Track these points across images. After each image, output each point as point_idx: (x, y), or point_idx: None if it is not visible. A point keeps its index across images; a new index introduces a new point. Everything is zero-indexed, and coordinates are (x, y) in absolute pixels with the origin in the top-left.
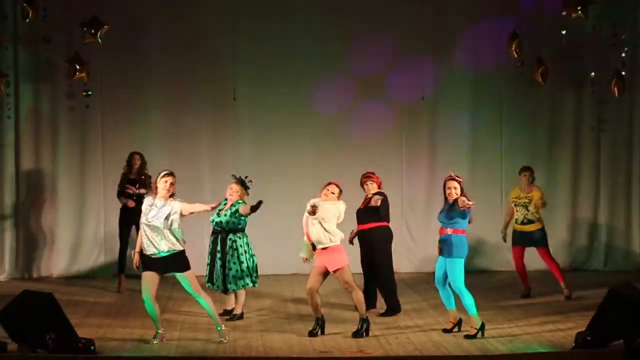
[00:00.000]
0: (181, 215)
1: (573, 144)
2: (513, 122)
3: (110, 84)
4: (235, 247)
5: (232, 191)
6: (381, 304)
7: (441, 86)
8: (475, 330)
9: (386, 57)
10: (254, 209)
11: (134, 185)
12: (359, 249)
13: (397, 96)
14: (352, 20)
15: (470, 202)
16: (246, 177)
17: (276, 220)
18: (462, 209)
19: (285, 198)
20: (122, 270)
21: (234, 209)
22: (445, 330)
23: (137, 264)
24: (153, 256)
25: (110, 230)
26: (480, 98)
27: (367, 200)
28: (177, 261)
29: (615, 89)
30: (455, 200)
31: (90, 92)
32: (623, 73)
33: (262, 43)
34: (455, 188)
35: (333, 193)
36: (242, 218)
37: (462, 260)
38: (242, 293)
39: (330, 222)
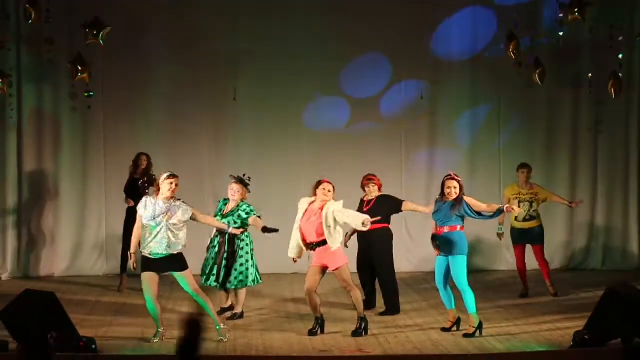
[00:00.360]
0: (192, 219)
1: (570, 145)
2: (511, 122)
3: (112, 84)
4: (242, 246)
5: (234, 191)
6: (380, 304)
7: (440, 86)
8: (474, 329)
9: (386, 56)
10: (265, 230)
11: (137, 183)
12: (357, 249)
13: (396, 95)
14: (352, 20)
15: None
16: (244, 175)
17: (276, 220)
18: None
19: (286, 197)
20: (125, 269)
21: (241, 210)
22: (444, 329)
23: (135, 264)
24: (153, 256)
25: (111, 230)
26: (478, 98)
27: (367, 202)
28: (176, 261)
29: (613, 90)
30: (457, 200)
31: (92, 93)
32: (620, 74)
33: (262, 43)
34: (455, 187)
35: (330, 192)
36: (247, 218)
37: (465, 257)
38: (242, 292)
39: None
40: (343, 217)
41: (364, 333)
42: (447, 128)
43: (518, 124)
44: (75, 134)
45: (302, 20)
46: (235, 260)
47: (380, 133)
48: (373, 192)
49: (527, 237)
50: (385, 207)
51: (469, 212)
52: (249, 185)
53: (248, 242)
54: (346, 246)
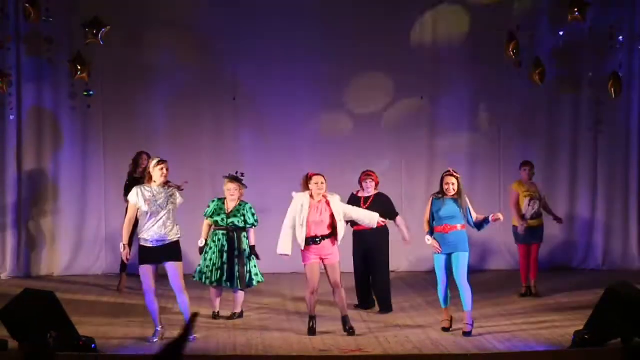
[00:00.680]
0: None
1: (570, 145)
2: (511, 122)
3: (111, 84)
4: (245, 244)
5: (232, 191)
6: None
7: (440, 86)
8: (471, 327)
9: (386, 57)
10: (252, 249)
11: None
12: (353, 247)
13: (396, 95)
14: (353, 18)
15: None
16: (237, 172)
17: (276, 218)
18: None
19: (285, 196)
20: (124, 269)
21: (246, 210)
22: (446, 329)
23: (128, 255)
24: (154, 245)
25: (111, 229)
26: (478, 98)
27: (364, 199)
28: (174, 250)
29: (613, 90)
30: (457, 196)
31: (91, 92)
32: (620, 74)
33: (263, 42)
34: (453, 184)
35: (323, 184)
36: (251, 224)
37: (468, 254)
38: (242, 292)
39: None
40: (353, 213)
41: (352, 330)
42: (446, 128)
43: (518, 124)
44: (74, 133)
45: (302, 19)
46: (244, 259)
47: (380, 133)
48: (370, 189)
49: (533, 235)
50: (382, 208)
51: (470, 220)
52: (242, 180)
53: (246, 241)
54: None
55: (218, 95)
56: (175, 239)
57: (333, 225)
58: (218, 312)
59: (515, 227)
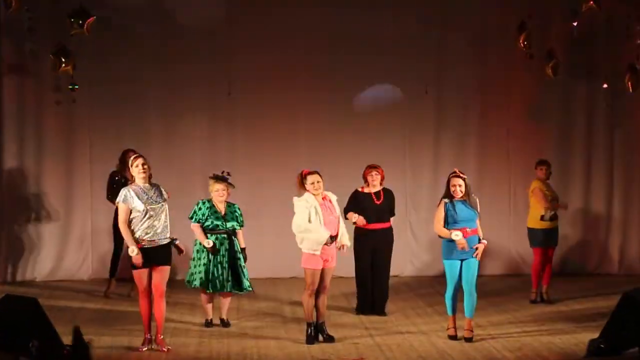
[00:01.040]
0: None
1: (585, 141)
2: (522, 117)
3: (98, 77)
4: (238, 248)
5: (221, 192)
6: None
7: (446, 80)
8: (473, 333)
9: (389, 50)
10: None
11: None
12: (359, 249)
13: (400, 86)
14: (353, 13)
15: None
16: (223, 172)
17: (273, 221)
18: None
19: (283, 197)
20: (113, 274)
21: (237, 212)
22: (453, 337)
23: (141, 259)
24: (150, 246)
25: (98, 232)
26: (487, 92)
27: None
28: (167, 252)
29: (629, 83)
30: (465, 198)
31: (76, 86)
32: (637, 67)
33: (259, 33)
34: (460, 185)
35: (319, 182)
36: (240, 225)
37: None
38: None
39: None
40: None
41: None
42: (452, 124)
43: (529, 119)
44: (59, 129)
45: (301, 8)
46: (240, 262)
47: (381, 128)
48: (376, 183)
49: (551, 238)
50: (391, 205)
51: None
52: (229, 180)
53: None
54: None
55: (212, 90)
56: (168, 240)
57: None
58: (212, 320)
59: (531, 230)
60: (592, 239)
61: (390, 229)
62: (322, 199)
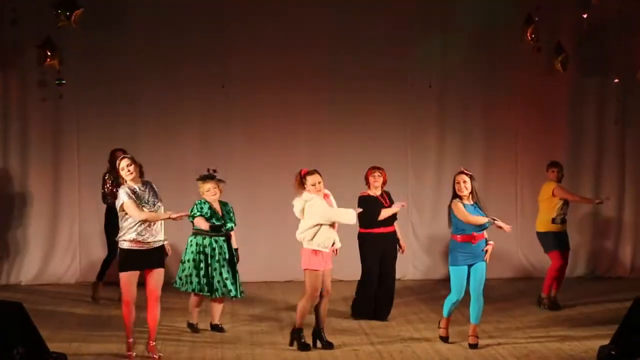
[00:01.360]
0: None
1: (595, 139)
2: (529, 114)
3: (86, 72)
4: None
5: (212, 190)
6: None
7: (449, 77)
8: (479, 339)
9: (389, 41)
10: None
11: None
12: (368, 252)
13: (401, 84)
14: (353, 12)
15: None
16: (208, 170)
17: (269, 222)
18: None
19: (281, 199)
20: (102, 278)
21: (231, 211)
22: (444, 339)
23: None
24: (144, 248)
25: (86, 234)
26: (493, 88)
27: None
28: (160, 254)
29: None
30: (475, 200)
31: (63, 81)
32: None
33: (256, 32)
34: (465, 182)
35: (320, 183)
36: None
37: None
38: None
39: None
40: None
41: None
42: (457, 120)
43: (537, 116)
44: (45, 127)
45: (299, 9)
46: (235, 267)
47: (383, 128)
48: (379, 185)
49: (563, 241)
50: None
51: None
52: (216, 177)
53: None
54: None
55: (207, 88)
56: (162, 243)
57: None
58: (197, 324)
59: (544, 234)
60: (603, 241)
61: (395, 233)
62: (324, 197)
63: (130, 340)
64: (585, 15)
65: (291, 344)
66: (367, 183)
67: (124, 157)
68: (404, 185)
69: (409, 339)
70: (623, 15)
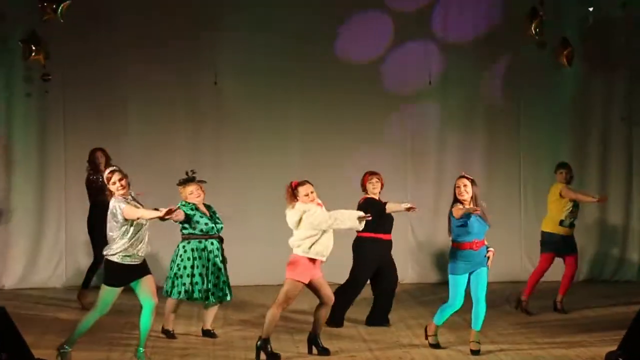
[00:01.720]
0: None
1: (601, 137)
2: (533, 112)
3: (73, 67)
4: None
5: (195, 192)
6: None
7: (451, 71)
8: (481, 346)
9: (388, 37)
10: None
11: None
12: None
13: (400, 81)
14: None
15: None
16: (187, 173)
17: (261, 225)
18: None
19: (272, 201)
20: (87, 285)
21: (217, 213)
22: (435, 346)
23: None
24: (137, 263)
25: (72, 236)
26: (495, 85)
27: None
28: (145, 263)
29: None
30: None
31: (49, 76)
32: None
33: (247, 15)
34: (465, 186)
35: (313, 192)
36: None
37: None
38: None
39: None
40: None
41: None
42: (458, 119)
43: (541, 114)
44: (30, 124)
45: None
46: (226, 271)
47: (379, 122)
48: (376, 191)
49: (568, 246)
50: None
51: None
52: (196, 178)
53: None
54: None
55: (197, 80)
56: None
57: None
58: (174, 330)
59: (548, 234)
60: (610, 243)
61: (391, 242)
62: (317, 205)
63: (69, 346)
64: (590, 9)
65: (257, 358)
66: (364, 189)
67: (114, 171)
68: (402, 187)
69: (408, 345)
70: (629, 9)
